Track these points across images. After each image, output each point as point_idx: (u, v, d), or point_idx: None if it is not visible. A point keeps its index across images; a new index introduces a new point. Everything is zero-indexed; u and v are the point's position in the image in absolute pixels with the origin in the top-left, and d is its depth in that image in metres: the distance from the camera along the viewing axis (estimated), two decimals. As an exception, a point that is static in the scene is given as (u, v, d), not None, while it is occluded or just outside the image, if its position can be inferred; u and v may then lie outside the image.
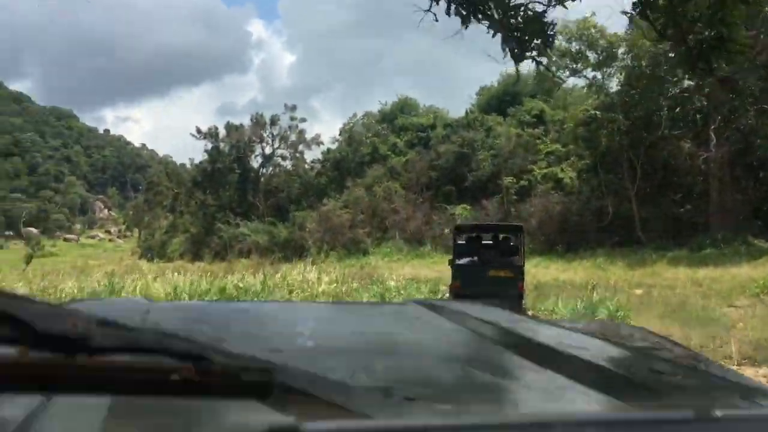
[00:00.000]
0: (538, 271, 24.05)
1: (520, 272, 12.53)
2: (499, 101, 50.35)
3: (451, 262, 13.31)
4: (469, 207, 38.87)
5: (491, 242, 13.83)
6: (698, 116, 31.30)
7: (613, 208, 32.03)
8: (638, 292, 15.93)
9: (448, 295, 13.99)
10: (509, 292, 11.93)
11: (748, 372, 7.49)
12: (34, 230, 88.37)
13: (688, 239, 29.40)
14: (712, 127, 29.07)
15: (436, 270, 25.21)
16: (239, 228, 44.32)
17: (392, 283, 14.93)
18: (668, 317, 11.08)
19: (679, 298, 14.13)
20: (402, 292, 14.63)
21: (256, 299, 6.90)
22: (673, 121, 31.27)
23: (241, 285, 11.26)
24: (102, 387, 0.59)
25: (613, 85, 33.79)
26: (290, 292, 11.32)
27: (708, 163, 29.11)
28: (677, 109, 31.55)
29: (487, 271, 12.37)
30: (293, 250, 39.51)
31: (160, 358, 0.59)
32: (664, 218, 32.65)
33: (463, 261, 12.99)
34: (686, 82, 31.20)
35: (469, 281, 12.23)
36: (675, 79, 31.10)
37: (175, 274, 13.32)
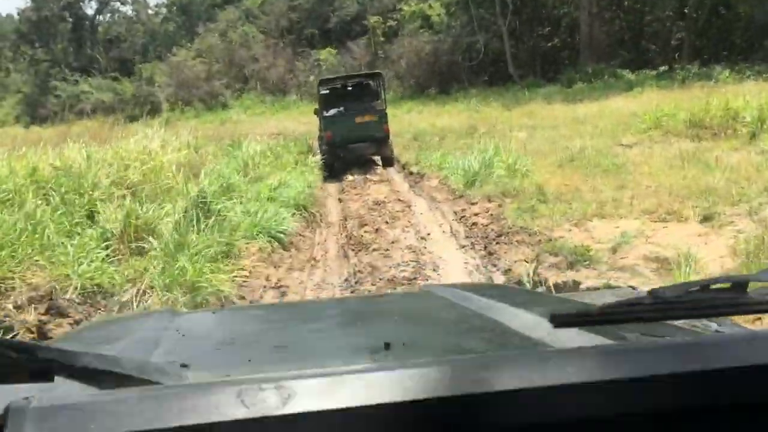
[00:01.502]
0: (412, 117, 22.65)
1: (383, 115, 13.51)
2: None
3: (317, 112, 14.35)
4: (334, 51, 36.22)
5: (353, 90, 14.45)
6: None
7: (484, 45, 30.70)
8: (521, 135, 14.88)
9: (318, 145, 14.50)
10: (376, 135, 13.30)
11: (675, 227, 6.47)
12: None
13: (559, 74, 28.91)
14: (584, -47, 27.72)
15: (303, 122, 23.23)
16: (78, 85, 39.21)
17: (258, 147, 12.78)
18: (567, 166, 10.00)
19: (566, 141, 13.19)
20: (269, 154, 12.67)
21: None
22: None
23: (58, 163, 8.82)
24: None
25: None
26: (126, 168, 9.05)
27: (579, -8, 28.04)
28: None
29: (353, 118, 13.31)
30: (143, 108, 35.62)
31: None
32: (535, 53, 31.91)
33: (331, 112, 13.74)
34: None
35: (338, 130, 13.26)
36: None
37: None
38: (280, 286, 5.76)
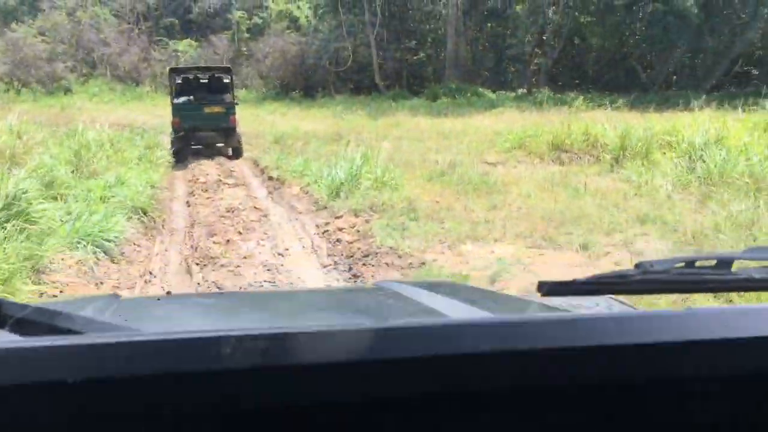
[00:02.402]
0: (275, 118, 21.66)
1: (232, 107, 14.03)
2: None
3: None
4: (195, 43, 34.29)
5: (205, 82, 14.63)
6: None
7: (352, 51, 30.26)
8: (388, 145, 14.39)
9: (171, 131, 14.10)
10: (223, 126, 13.82)
11: (553, 255, 6.09)
12: None
13: (424, 88, 29.04)
14: (453, -30, 28.09)
15: (157, 115, 21.53)
16: None
17: (91, 134, 11.28)
18: (437, 180, 9.53)
19: (433, 154, 12.89)
20: (109, 148, 11.20)
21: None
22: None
23: None
24: None
25: None
26: None
27: (447, 8, 28.35)
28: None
29: (203, 108, 13.83)
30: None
31: None
32: (401, 65, 31.94)
33: (181, 100, 14.13)
34: None
35: (187, 118, 13.64)
36: None
37: None
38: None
